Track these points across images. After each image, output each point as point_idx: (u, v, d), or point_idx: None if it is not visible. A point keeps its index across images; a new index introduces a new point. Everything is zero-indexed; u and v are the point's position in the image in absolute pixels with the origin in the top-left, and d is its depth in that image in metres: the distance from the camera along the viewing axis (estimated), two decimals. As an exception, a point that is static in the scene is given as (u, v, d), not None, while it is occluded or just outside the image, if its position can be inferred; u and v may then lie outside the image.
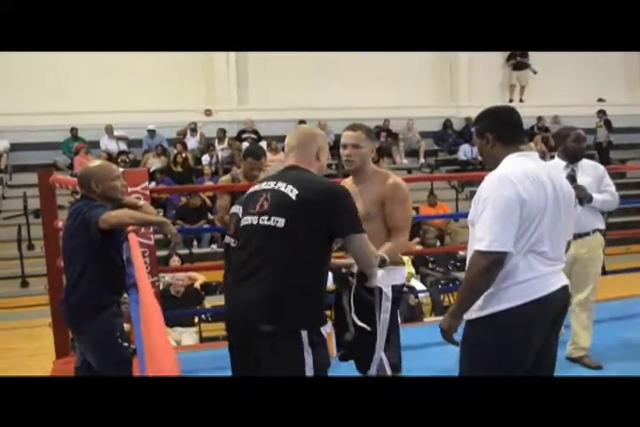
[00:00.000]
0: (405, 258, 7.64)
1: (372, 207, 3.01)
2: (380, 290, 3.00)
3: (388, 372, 3.03)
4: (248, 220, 2.50)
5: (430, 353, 4.24)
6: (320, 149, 2.61)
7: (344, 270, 2.94)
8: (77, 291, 3.11)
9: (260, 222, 2.43)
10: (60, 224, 4.40)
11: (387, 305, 3.00)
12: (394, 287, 3.05)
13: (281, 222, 2.37)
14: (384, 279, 2.99)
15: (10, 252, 9.99)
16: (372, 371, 3.02)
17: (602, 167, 4.17)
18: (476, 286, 2.31)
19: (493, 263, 2.25)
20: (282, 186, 2.44)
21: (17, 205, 10.83)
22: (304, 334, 2.36)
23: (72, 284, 3.15)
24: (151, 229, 4.08)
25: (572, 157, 4.05)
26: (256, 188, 2.58)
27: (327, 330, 2.48)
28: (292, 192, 2.40)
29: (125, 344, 3.11)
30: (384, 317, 3.00)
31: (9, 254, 10.02)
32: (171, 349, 1.18)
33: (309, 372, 2.37)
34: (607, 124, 14.71)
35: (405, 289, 3.24)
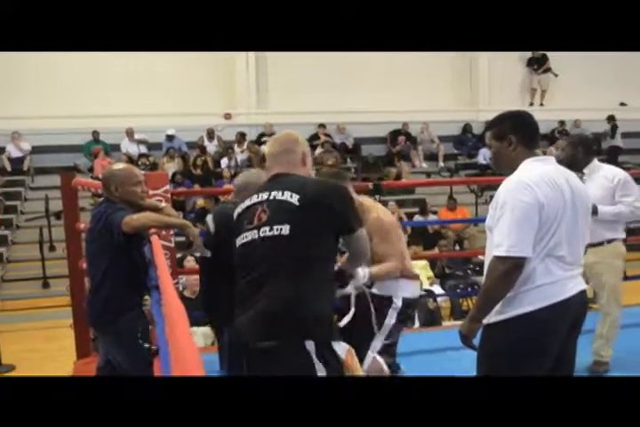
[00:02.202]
0: (423, 262, 7.73)
1: None
2: (390, 299, 3.18)
3: (386, 371, 3.16)
4: (247, 236, 2.35)
5: (449, 357, 4.24)
6: (304, 153, 2.50)
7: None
8: (101, 293, 3.13)
9: (261, 235, 2.30)
10: (82, 226, 4.45)
11: (393, 313, 3.17)
12: (404, 300, 3.21)
13: (285, 229, 2.25)
14: (396, 290, 3.20)
15: (31, 253, 10.09)
16: (364, 368, 3.05)
17: (620, 176, 3.91)
18: (495, 291, 2.31)
19: (512, 268, 2.25)
20: (278, 194, 2.32)
21: (38, 206, 10.93)
22: (310, 345, 2.18)
23: (95, 286, 3.18)
24: (171, 232, 4.12)
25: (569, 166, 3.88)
26: (247, 203, 2.44)
27: (343, 350, 2.30)
28: (292, 197, 2.29)
29: (146, 345, 3.14)
30: (388, 322, 3.16)
31: (30, 256, 10.13)
32: (196, 349, 1.20)
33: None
34: (613, 129, 14.54)
35: (420, 296, 3.40)
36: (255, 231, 2.32)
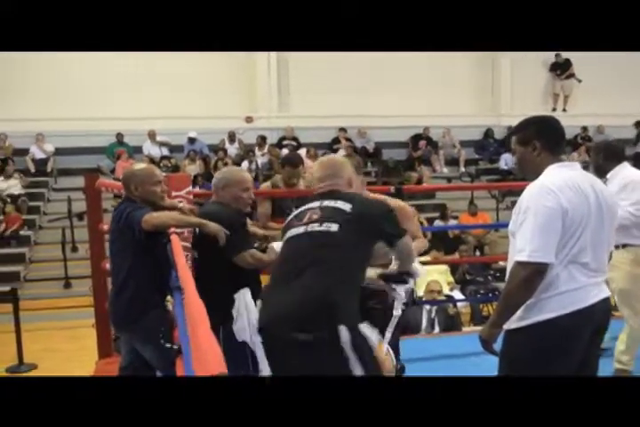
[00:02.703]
0: (444, 267, 7.70)
1: None
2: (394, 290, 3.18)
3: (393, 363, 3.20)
4: (293, 232, 2.53)
5: (469, 362, 4.21)
6: (350, 177, 2.72)
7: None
8: (125, 292, 3.16)
9: (309, 229, 2.47)
10: (105, 227, 4.49)
11: (398, 304, 3.16)
12: (406, 290, 3.20)
13: (334, 227, 2.42)
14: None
15: (54, 254, 10.21)
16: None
17: (628, 179, 3.86)
18: (516, 296, 2.30)
19: (534, 274, 2.24)
20: (331, 202, 2.52)
21: (61, 208, 11.05)
22: (344, 333, 2.22)
23: (119, 285, 3.21)
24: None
25: (598, 173, 3.86)
26: (301, 208, 2.63)
27: (373, 336, 2.37)
28: (344, 205, 2.49)
29: (168, 345, 3.16)
30: (395, 314, 3.16)
31: (53, 256, 10.24)
32: (217, 348, 1.21)
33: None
34: (639, 135, 14.43)
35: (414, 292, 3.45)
36: (304, 227, 2.50)
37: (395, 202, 3.28)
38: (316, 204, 2.56)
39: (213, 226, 3.00)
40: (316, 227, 2.45)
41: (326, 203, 2.53)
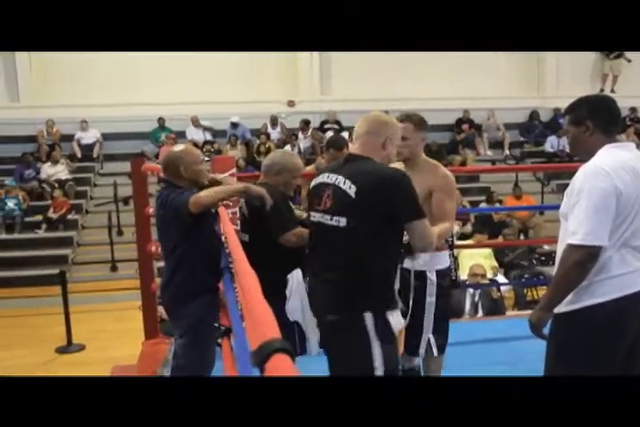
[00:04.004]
0: (487, 251, 7.62)
1: (420, 196, 3.01)
2: (425, 274, 3.05)
3: (435, 353, 3.13)
4: (315, 217, 2.53)
5: (512, 347, 4.18)
6: (388, 138, 2.52)
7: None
8: (174, 280, 3.15)
9: (323, 221, 2.47)
10: (151, 211, 4.54)
11: (431, 289, 3.05)
12: (438, 272, 3.08)
13: (342, 222, 2.39)
14: (427, 264, 3.04)
15: (100, 237, 10.40)
16: (421, 351, 3.11)
17: None
18: (568, 279, 2.26)
19: (587, 257, 2.19)
20: (341, 181, 2.42)
21: (107, 192, 11.25)
22: (369, 318, 2.37)
23: (170, 272, 3.19)
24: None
25: None
26: (319, 180, 2.56)
27: (397, 324, 2.47)
28: (350, 189, 2.38)
29: (215, 325, 3.16)
30: (429, 300, 3.05)
31: (99, 240, 10.44)
32: (271, 314, 1.20)
33: (379, 365, 2.37)
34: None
35: (452, 274, 3.29)
36: (321, 215, 2.48)
37: (445, 171, 3.13)
38: (332, 177, 2.47)
39: (257, 188, 2.99)
40: (327, 220, 2.45)
41: (339, 180, 2.43)
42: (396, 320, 2.45)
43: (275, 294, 3.04)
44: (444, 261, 3.16)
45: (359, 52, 12.25)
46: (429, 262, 3.04)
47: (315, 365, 2.44)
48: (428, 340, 3.11)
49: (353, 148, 2.56)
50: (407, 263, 2.97)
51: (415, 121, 3.05)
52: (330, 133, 12.31)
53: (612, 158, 2.28)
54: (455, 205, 3.17)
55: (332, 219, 2.42)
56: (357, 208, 2.36)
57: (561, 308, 2.33)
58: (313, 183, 2.62)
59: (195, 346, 3.15)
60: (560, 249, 2.32)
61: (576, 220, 2.22)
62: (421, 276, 3.04)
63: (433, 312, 3.07)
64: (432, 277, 3.06)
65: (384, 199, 2.35)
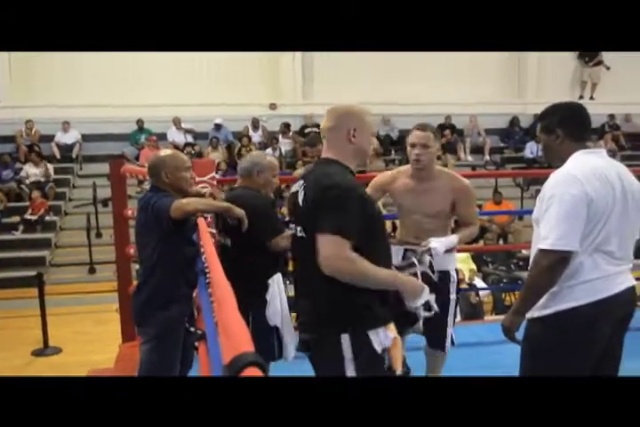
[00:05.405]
0: (465, 255, 7.65)
1: (442, 205, 3.26)
2: (449, 273, 3.27)
3: (449, 346, 3.35)
4: (291, 227, 2.39)
5: (490, 351, 4.21)
6: (352, 129, 2.24)
7: (420, 249, 2.95)
8: (148, 285, 3.09)
9: (293, 231, 2.34)
10: (130, 213, 4.52)
11: (453, 286, 3.29)
12: (456, 271, 3.40)
13: (301, 231, 2.26)
14: (451, 263, 3.31)
15: (79, 239, 10.33)
16: (447, 345, 3.33)
17: None
18: (539, 284, 2.28)
19: (558, 262, 2.22)
20: (301, 189, 2.27)
21: (86, 194, 11.16)
22: (345, 338, 2.16)
23: (145, 277, 3.14)
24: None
25: None
26: (295, 187, 2.37)
27: (384, 339, 2.21)
28: (301, 197, 2.25)
29: (192, 329, 3.13)
30: (452, 297, 3.28)
31: (78, 242, 10.36)
32: (244, 326, 1.21)
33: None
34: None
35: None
36: (293, 224, 2.36)
37: (462, 180, 3.31)
38: (298, 185, 2.32)
39: (239, 211, 3.01)
40: (296, 230, 2.31)
41: (301, 188, 2.27)
42: (383, 337, 2.21)
43: (256, 297, 3.06)
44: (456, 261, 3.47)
45: (339, 52, 12.33)
46: (451, 260, 3.31)
47: (309, 365, 2.35)
48: (451, 334, 3.33)
49: (324, 148, 2.35)
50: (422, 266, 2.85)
51: (433, 130, 3.24)
52: (311, 137, 12.33)
53: (582, 165, 2.31)
54: (475, 211, 3.48)
55: (296, 229, 2.31)
56: (307, 217, 2.22)
57: (534, 312, 2.35)
58: (292, 189, 2.53)
59: (161, 353, 3.09)
60: (533, 254, 2.34)
61: (547, 225, 2.24)
62: (444, 275, 3.16)
63: (454, 308, 3.29)
64: (454, 274, 3.31)
65: (317, 205, 2.17)
